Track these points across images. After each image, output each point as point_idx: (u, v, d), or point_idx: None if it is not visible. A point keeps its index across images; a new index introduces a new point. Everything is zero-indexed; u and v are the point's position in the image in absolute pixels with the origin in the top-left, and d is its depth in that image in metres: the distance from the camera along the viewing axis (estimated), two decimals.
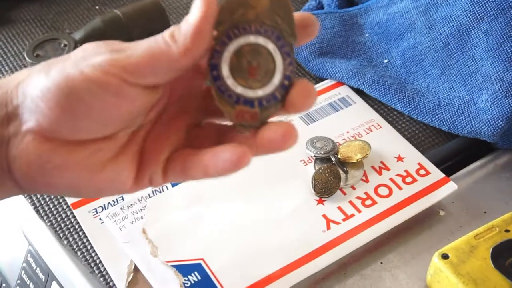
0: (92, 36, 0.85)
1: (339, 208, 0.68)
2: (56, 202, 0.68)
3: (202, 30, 0.38)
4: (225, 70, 0.41)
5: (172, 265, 0.62)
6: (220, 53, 0.41)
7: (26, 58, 0.83)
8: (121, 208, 0.66)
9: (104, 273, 0.63)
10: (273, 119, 0.43)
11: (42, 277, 0.67)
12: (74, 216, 0.67)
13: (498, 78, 0.75)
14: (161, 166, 0.45)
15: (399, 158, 0.74)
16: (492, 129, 0.74)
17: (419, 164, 0.73)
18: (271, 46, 0.41)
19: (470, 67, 0.78)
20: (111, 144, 0.42)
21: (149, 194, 0.68)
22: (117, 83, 0.38)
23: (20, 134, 0.40)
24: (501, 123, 0.73)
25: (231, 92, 0.41)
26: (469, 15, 0.79)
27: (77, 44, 0.84)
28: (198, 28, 0.38)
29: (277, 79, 0.42)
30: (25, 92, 0.40)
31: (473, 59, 0.78)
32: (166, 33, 0.39)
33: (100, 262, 0.63)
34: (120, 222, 0.65)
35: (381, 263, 0.65)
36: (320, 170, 0.70)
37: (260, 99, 0.42)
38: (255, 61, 0.41)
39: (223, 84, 0.41)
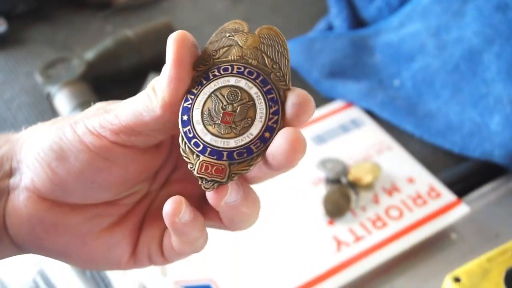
0: (103, 57, 0.86)
1: (350, 229, 0.68)
2: None
3: (177, 77, 0.36)
4: (196, 115, 0.36)
5: (181, 285, 0.61)
6: (194, 96, 0.36)
7: (39, 77, 0.83)
8: None
9: None
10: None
11: None
12: None
13: (510, 100, 0.75)
14: (157, 241, 0.42)
15: (410, 180, 0.73)
16: (504, 151, 0.73)
17: (430, 186, 0.73)
18: (254, 91, 0.36)
19: (481, 89, 0.78)
20: (110, 211, 0.41)
21: None
22: (107, 145, 0.37)
23: (18, 189, 0.39)
24: None
25: (198, 139, 0.36)
26: (480, 37, 0.79)
27: (88, 64, 0.84)
28: (171, 76, 0.36)
29: (255, 129, 0.35)
30: (27, 149, 0.39)
31: (485, 81, 0.78)
32: (149, 85, 0.37)
33: (109, 282, 0.63)
34: None
35: (392, 286, 0.64)
36: (331, 192, 0.70)
37: (230, 151, 0.35)
38: (231, 106, 0.36)
39: (191, 130, 0.36)
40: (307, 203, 0.71)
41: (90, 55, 0.86)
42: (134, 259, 0.42)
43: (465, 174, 0.77)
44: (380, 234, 0.67)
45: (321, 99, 0.86)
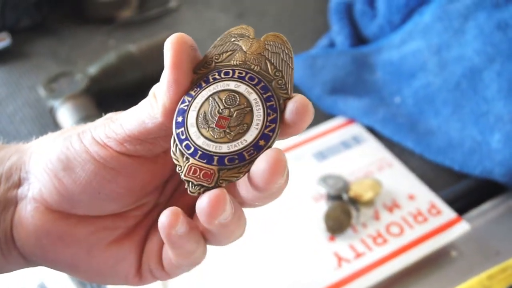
0: (106, 71, 0.86)
1: (351, 246, 0.68)
2: None
3: (176, 81, 0.35)
4: (191, 117, 0.35)
5: None
6: (192, 98, 0.35)
7: (42, 91, 0.84)
8: None
9: None
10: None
11: None
12: None
13: (510, 118, 0.75)
14: (156, 255, 0.41)
15: (411, 197, 0.73)
16: (504, 169, 0.73)
17: (431, 203, 0.73)
18: (253, 97, 0.35)
19: (482, 107, 0.78)
20: (118, 223, 0.41)
21: None
22: (113, 155, 0.37)
23: (26, 199, 0.39)
24: None
25: (190, 142, 0.34)
26: (481, 56, 0.80)
27: (91, 78, 0.84)
28: (170, 80, 0.35)
29: (250, 136, 0.34)
30: (36, 160, 0.39)
31: (485, 99, 0.78)
32: (150, 92, 0.37)
33: None
34: None
35: None
36: (332, 208, 0.70)
37: (221, 156, 0.34)
38: (228, 111, 0.35)
39: (184, 132, 0.35)
40: (308, 219, 0.71)
41: (93, 69, 0.86)
42: (140, 274, 0.42)
43: (465, 192, 0.77)
44: (380, 250, 0.67)
45: (323, 116, 0.86)
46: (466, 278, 0.61)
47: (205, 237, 0.39)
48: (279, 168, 0.32)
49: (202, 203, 0.33)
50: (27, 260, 0.41)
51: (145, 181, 0.39)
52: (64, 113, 0.80)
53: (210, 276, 0.64)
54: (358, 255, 0.67)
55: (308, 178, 0.75)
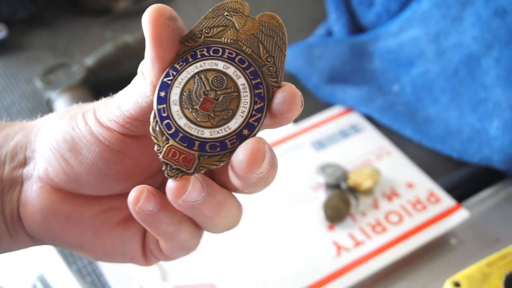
0: (103, 62, 0.86)
1: (350, 234, 0.68)
2: None
3: (159, 56, 0.33)
4: (174, 94, 0.33)
5: None
6: (177, 72, 0.33)
7: (39, 83, 0.83)
8: None
9: None
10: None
11: None
12: None
13: (509, 105, 0.75)
14: (153, 237, 0.41)
15: (410, 185, 0.73)
16: (503, 156, 0.73)
17: (430, 191, 0.73)
18: (241, 82, 0.33)
19: (480, 94, 0.78)
20: (125, 203, 0.39)
21: None
22: (117, 137, 0.37)
23: (32, 179, 0.39)
24: None
25: (171, 121, 0.33)
26: (479, 42, 0.79)
27: (88, 69, 0.84)
28: (153, 57, 0.33)
29: (234, 123, 0.33)
30: (41, 138, 0.39)
31: (484, 86, 0.78)
32: (139, 69, 0.36)
33: (109, 287, 0.63)
34: None
35: None
36: (331, 197, 0.70)
37: (203, 142, 0.33)
38: (214, 93, 0.33)
39: (165, 109, 0.33)
40: (307, 208, 0.71)
41: (90, 60, 0.86)
42: (145, 255, 0.42)
43: (464, 179, 0.77)
44: (380, 239, 0.67)
45: (321, 105, 0.86)
46: (466, 265, 0.61)
47: (196, 222, 0.38)
48: (257, 158, 0.32)
49: (168, 184, 0.34)
50: (34, 239, 0.41)
51: (151, 160, 0.39)
52: (61, 104, 0.80)
53: (208, 264, 0.64)
54: (358, 244, 0.67)
55: (306, 167, 0.75)
